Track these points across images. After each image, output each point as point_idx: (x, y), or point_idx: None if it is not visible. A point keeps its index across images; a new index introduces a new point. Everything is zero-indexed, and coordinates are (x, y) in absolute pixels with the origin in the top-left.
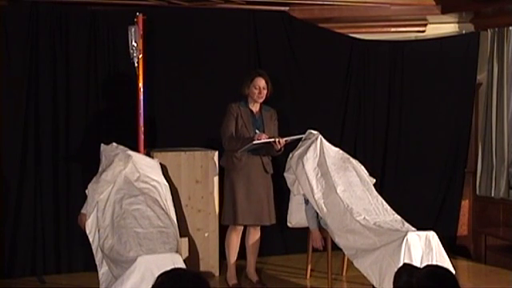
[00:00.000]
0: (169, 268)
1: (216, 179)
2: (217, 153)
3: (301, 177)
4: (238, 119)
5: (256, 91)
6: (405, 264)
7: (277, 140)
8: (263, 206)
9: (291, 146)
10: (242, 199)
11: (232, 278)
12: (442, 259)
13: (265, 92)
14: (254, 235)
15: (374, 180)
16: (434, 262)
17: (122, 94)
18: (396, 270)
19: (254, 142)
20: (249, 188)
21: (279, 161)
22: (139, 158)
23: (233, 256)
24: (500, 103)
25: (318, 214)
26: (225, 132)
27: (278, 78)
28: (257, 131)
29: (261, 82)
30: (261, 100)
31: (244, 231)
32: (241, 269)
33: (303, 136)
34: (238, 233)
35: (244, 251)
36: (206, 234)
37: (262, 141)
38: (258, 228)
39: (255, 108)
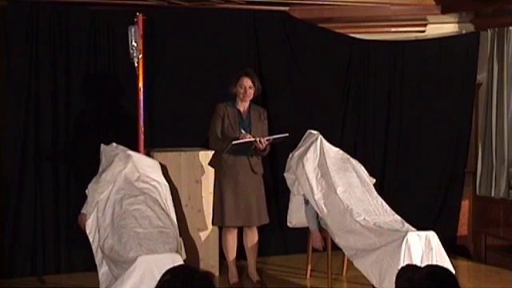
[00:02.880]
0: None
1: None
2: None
3: (301, 177)
4: (225, 119)
5: (241, 90)
6: (407, 265)
7: (257, 139)
8: (252, 207)
9: (291, 147)
10: (230, 200)
11: (233, 277)
12: (442, 259)
13: (251, 91)
14: (252, 236)
15: (374, 180)
16: (434, 262)
17: (122, 94)
18: (396, 270)
19: (234, 142)
20: (236, 189)
21: (279, 161)
22: (139, 158)
23: (231, 255)
24: (500, 103)
25: (318, 214)
26: (210, 132)
27: (278, 78)
28: (242, 131)
29: (247, 82)
30: (247, 99)
31: (242, 232)
32: (241, 269)
33: (286, 134)
34: (232, 233)
35: (244, 251)
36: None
37: (242, 140)
38: (255, 228)
39: (243, 107)
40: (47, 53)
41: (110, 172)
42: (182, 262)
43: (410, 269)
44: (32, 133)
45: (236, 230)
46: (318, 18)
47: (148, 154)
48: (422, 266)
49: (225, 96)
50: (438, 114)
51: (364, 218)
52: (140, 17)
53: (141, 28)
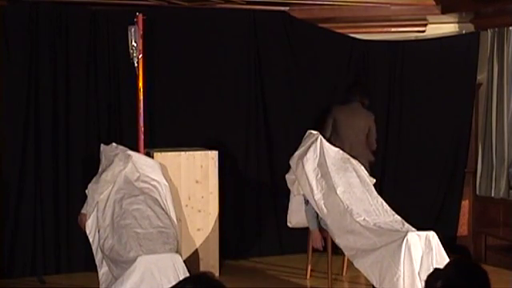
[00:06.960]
0: (170, 268)
1: (216, 179)
2: (217, 153)
3: (301, 177)
4: None
5: None
6: (436, 269)
7: None
8: None
9: (291, 147)
10: None
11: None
12: (442, 259)
13: None
14: None
15: (374, 180)
16: (434, 262)
17: (121, 94)
18: (396, 270)
19: None
20: None
21: (278, 161)
22: (139, 158)
23: None
24: (500, 103)
25: (318, 214)
26: None
27: (278, 78)
28: None
29: None
30: None
31: None
32: (240, 269)
33: None
34: None
35: (242, 249)
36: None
37: None
38: None
39: None
40: (47, 53)
41: (110, 172)
42: (181, 262)
43: (438, 273)
44: (32, 133)
45: None
46: (318, 18)
47: (148, 154)
48: (422, 266)
49: (225, 95)
50: (437, 114)
51: (364, 219)
52: (140, 17)
53: (141, 28)
